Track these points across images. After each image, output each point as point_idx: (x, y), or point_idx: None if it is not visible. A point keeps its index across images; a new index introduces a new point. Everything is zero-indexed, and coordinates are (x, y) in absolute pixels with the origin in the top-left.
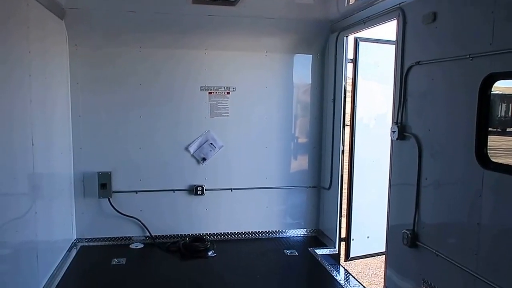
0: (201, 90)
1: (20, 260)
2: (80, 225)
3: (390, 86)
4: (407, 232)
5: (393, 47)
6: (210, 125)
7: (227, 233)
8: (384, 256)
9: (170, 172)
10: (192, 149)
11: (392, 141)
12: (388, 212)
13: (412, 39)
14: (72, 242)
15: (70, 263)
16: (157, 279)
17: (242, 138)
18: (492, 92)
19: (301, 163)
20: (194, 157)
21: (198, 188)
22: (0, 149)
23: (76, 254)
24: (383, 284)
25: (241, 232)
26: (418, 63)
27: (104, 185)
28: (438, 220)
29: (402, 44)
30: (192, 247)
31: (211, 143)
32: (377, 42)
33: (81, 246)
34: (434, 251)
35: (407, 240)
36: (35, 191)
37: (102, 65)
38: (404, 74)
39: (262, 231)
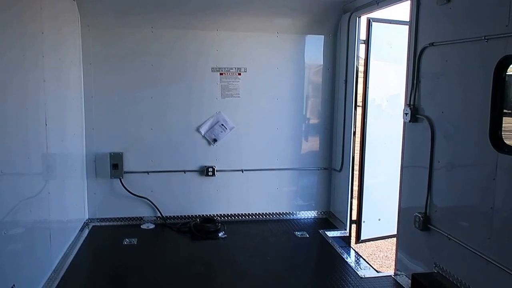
0: (212, 71)
1: (33, 239)
2: (92, 205)
3: (402, 67)
4: (419, 215)
5: (406, 27)
6: (221, 106)
7: (238, 214)
8: (395, 238)
9: (181, 153)
10: (203, 130)
11: (404, 123)
12: (400, 195)
13: (426, 20)
14: (84, 222)
15: (82, 242)
16: (168, 260)
17: (253, 119)
18: (507, 74)
19: (312, 144)
20: (205, 138)
21: (209, 169)
22: (15, 129)
23: (88, 234)
24: (394, 267)
25: (252, 214)
26: (432, 44)
27: (115, 165)
28: (450, 203)
29: (415, 25)
30: (203, 228)
31: (222, 124)
32: (390, 23)
33: (93, 226)
34: (446, 235)
35: (418, 223)
36: (48, 171)
37: (114, 46)
38: (418, 55)
39: (272, 213)
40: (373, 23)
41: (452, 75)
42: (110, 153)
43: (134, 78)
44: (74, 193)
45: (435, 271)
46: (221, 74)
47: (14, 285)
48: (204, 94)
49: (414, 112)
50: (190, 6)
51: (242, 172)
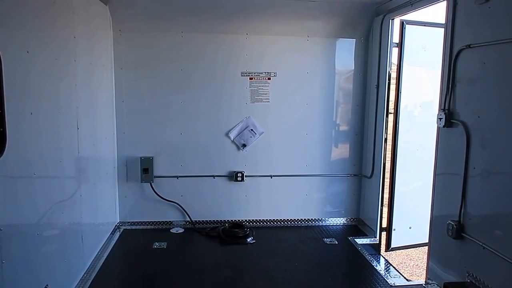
0: (242, 75)
1: (66, 241)
2: (123, 209)
3: (436, 72)
4: (453, 223)
5: (441, 30)
6: (250, 111)
7: (267, 220)
8: (426, 247)
9: (210, 158)
10: (232, 135)
11: (438, 128)
12: (433, 202)
13: (463, 21)
14: (116, 225)
15: (114, 245)
16: (197, 264)
17: (282, 125)
18: None
19: (342, 151)
20: (235, 143)
21: (238, 175)
22: (48, 133)
23: (119, 237)
24: (424, 275)
25: (281, 219)
26: (469, 46)
27: (146, 169)
28: (486, 211)
29: (452, 26)
30: (231, 233)
31: (252, 129)
32: (424, 25)
33: (124, 229)
34: (481, 244)
35: (452, 232)
36: (80, 174)
37: (145, 50)
38: (453, 58)
39: (301, 219)
40: (406, 25)
41: (490, 78)
42: (140, 158)
43: (164, 82)
44: (106, 197)
45: (468, 281)
46: (250, 78)
47: (47, 285)
48: (233, 99)
49: (448, 117)
50: (220, 10)
51: (271, 177)
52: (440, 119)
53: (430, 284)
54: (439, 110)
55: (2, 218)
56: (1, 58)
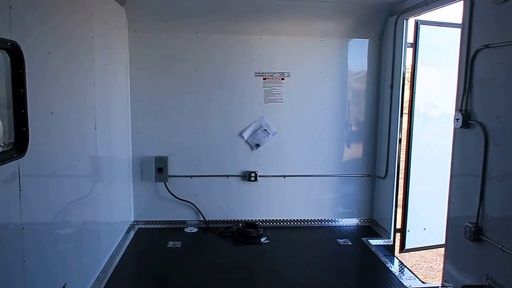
0: (255, 75)
1: (83, 239)
2: (137, 208)
3: (452, 72)
4: (470, 225)
5: (456, 30)
6: (264, 111)
7: (280, 220)
8: (440, 248)
9: (224, 158)
10: (246, 135)
11: (455, 129)
12: (449, 204)
13: (481, 20)
14: (130, 224)
15: (129, 244)
16: (211, 263)
17: (295, 125)
18: None
19: (355, 151)
20: (248, 143)
21: (252, 174)
22: (67, 132)
23: (134, 236)
24: (439, 278)
25: (294, 220)
26: (486, 46)
27: (160, 169)
28: (505, 213)
29: (469, 26)
30: (245, 233)
31: (265, 129)
32: (439, 25)
33: (138, 228)
34: (500, 246)
35: (469, 234)
36: (97, 173)
37: (160, 51)
38: (471, 58)
39: (314, 219)
40: (421, 25)
41: (509, 78)
42: (155, 157)
43: (179, 82)
44: (121, 196)
45: (487, 284)
46: (264, 79)
47: (66, 284)
48: (247, 99)
49: (466, 117)
50: (235, 10)
51: (284, 177)
52: (457, 119)
53: (446, 286)
54: (456, 111)
55: (25, 217)
56: (25, 59)
